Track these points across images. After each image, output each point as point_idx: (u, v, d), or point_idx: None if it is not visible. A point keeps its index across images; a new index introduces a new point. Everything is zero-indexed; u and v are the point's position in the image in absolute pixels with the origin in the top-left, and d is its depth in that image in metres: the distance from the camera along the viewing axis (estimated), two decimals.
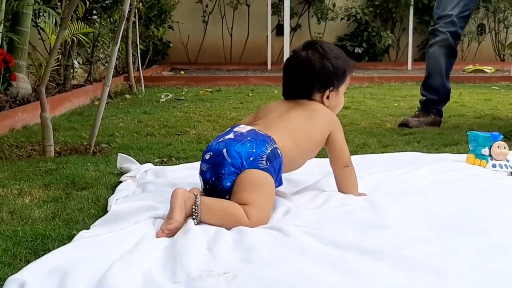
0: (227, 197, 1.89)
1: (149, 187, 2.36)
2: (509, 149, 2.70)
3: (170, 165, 2.84)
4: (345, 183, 2.16)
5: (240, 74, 8.62)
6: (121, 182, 2.43)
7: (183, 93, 6.21)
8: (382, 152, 3.07)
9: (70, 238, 1.74)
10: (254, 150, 1.89)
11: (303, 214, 1.92)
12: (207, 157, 1.94)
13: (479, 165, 2.55)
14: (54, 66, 5.07)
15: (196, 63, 10.80)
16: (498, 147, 2.54)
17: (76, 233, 1.76)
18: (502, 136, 2.62)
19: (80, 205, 2.13)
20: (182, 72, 9.13)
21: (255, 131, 1.97)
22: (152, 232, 1.73)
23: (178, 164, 2.86)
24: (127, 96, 5.82)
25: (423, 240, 1.64)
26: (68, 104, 4.93)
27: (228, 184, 1.88)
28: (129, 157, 2.77)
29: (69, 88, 5.47)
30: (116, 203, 2.04)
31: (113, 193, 2.23)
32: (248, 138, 1.92)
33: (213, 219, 1.81)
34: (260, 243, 1.64)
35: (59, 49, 5.01)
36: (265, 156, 1.90)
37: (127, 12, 3.03)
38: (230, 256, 1.56)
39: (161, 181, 2.45)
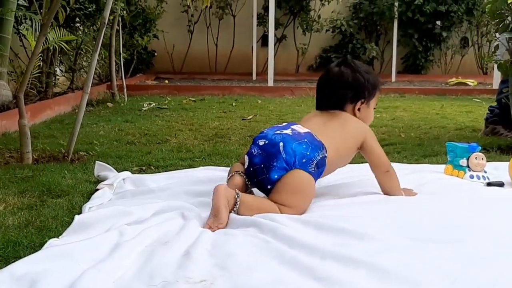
0: (268, 187, 2.04)
1: (126, 195, 2.34)
2: (487, 161, 2.72)
3: (149, 173, 2.82)
4: (388, 186, 2.27)
5: (224, 83, 8.62)
6: (98, 190, 2.41)
7: (166, 102, 6.18)
8: (362, 163, 3.06)
9: (42, 246, 1.72)
10: (308, 153, 2.04)
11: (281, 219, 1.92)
12: (261, 143, 2.09)
13: (457, 176, 2.56)
14: (36, 73, 5.03)
15: (181, 73, 10.77)
16: (475, 158, 2.56)
17: (48, 240, 1.74)
18: (480, 148, 2.63)
19: (55, 212, 2.10)
20: (167, 81, 9.11)
21: (312, 135, 2.12)
22: (125, 238, 1.70)
23: (157, 172, 2.84)
24: (109, 104, 5.79)
25: (399, 249, 1.64)
26: (49, 111, 4.89)
27: (276, 176, 2.02)
28: (107, 165, 2.75)
29: (50, 96, 5.43)
30: (89, 211, 2.01)
31: (88, 201, 2.21)
32: (305, 140, 2.08)
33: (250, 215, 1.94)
34: (239, 250, 1.64)
35: (41, 56, 4.97)
36: (316, 161, 2.06)
37: (107, 19, 3.00)
38: (207, 263, 1.56)
39: (139, 190, 2.43)
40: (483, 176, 2.53)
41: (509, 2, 3.09)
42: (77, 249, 1.59)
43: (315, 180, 2.09)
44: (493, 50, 3.71)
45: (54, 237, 1.79)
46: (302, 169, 2.02)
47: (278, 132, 2.10)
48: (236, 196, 1.95)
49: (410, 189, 2.32)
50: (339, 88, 2.31)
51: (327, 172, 2.20)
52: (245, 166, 2.12)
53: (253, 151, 2.10)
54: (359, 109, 2.32)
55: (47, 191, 2.41)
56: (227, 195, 1.93)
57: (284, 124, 2.22)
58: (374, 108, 2.40)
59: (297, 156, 2.02)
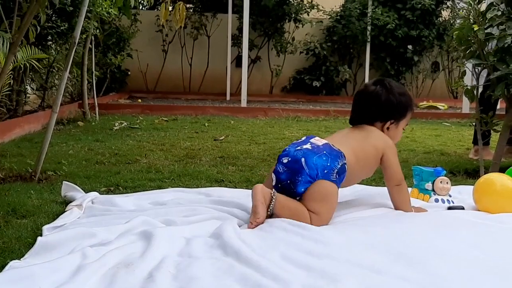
0: (297, 198, 2.19)
1: (95, 215, 2.32)
2: (453, 184, 2.76)
3: (117, 194, 2.79)
4: (398, 200, 2.39)
5: (198, 103, 8.62)
6: (66, 211, 2.38)
7: (138, 121, 6.16)
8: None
9: (3, 268, 1.69)
10: (328, 164, 2.20)
11: (248, 236, 1.92)
12: (285, 161, 2.24)
13: (422, 199, 2.59)
14: (6, 91, 4.98)
15: (154, 92, 10.76)
16: (440, 182, 2.59)
17: (9, 262, 1.72)
18: (445, 172, 2.67)
19: (18, 233, 2.08)
20: (140, 100, 9.08)
21: (330, 146, 2.26)
22: (88, 260, 1.69)
23: (125, 193, 2.82)
24: (80, 123, 5.75)
25: (361, 270, 1.65)
26: (18, 130, 4.84)
27: (302, 190, 2.19)
28: (74, 185, 2.72)
29: (20, 114, 5.38)
30: (53, 231, 1.99)
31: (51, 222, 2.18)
32: (324, 152, 2.22)
33: (284, 214, 2.14)
34: (202, 273, 1.63)
35: (11, 74, 4.92)
36: (336, 170, 2.21)
37: (77, 38, 3.00)
38: (171, 286, 1.55)
39: (107, 211, 2.41)
40: (447, 200, 2.57)
41: (475, 29, 3.16)
42: (38, 271, 1.57)
43: (338, 187, 2.24)
44: (460, 75, 3.78)
45: (16, 259, 1.76)
46: (325, 179, 2.18)
47: (299, 148, 2.25)
48: (272, 194, 2.15)
49: (421, 207, 2.44)
50: (371, 106, 2.44)
51: (349, 179, 2.31)
52: (273, 184, 2.26)
53: (278, 169, 2.25)
54: (388, 128, 2.45)
55: (12, 211, 2.38)
56: (264, 193, 2.14)
57: (303, 139, 2.34)
58: (404, 129, 2.53)
59: (319, 169, 2.18)
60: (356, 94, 2.55)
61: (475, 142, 4.23)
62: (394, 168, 2.38)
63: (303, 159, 2.19)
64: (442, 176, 2.62)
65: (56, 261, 1.65)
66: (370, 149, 2.36)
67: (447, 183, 2.60)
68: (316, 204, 2.17)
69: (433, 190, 2.59)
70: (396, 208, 2.38)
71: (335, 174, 2.20)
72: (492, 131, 3.76)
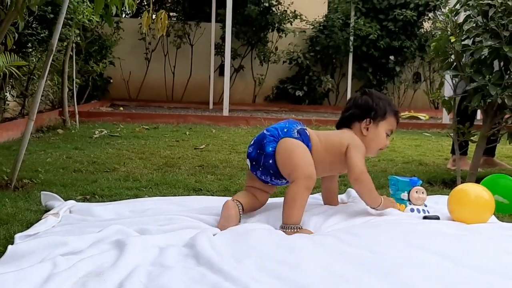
0: (270, 161, 2.37)
1: (70, 223, 2.30)
2: (430, 194, 2.77)
3: (93, 202, 2.77)
4: (358, 192, 2.51)
5: (180, 112, 8.60)
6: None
7: (119, 129, 6.13)
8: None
9: None
10: (287, 125, 2.45)
11: (222, 245, 1.92)
12: (251, 142, 2.47)
13: (398, 209, 2.60)
14: None
15: (137, 100, 10.73)
16: (416, 192, 2.61)
17: None
18: (421, 182, 2.68)
19: None
20: (121, 108, 9.05)
21: (292, 120, 2.53)
22: (58, 269, 1.67)
23: (102, 202, 2.80)
24: (60, 131, 5.71)
25: (331, 280, 1.65)
26: None
27: (270, 149, 2.39)
28: (54, 194, 2.70)
29: (0, 121, 5.33)
30: (25, 240, 1.97)
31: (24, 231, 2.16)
32: (283, 121, 2.51)
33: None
34: (174, 283, 1.64)
35: None
36: (296, 130, 2.43)
37: (55, 46, 2.98)
38: None
39: (83, 219, 2.39)
40: (423, 209, 2.58)
41: (452, 41, 3.19)
42: (7, 281, 1.55)
43: (305, 144, 2.41)
44: (438, 86, 3.81)
45: None
46: (286, 136, 2.39)
47: None
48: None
49: (390, 199, 2.56)
50: (349, 108, 2.61)
51: (318, 159, 2.42)
52: (249, 167, 2.46)
53: (249, 150, 2.46)
54: (367, 129, 2.55)
55: None
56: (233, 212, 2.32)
57: None
58: (388, 135, 2.60)
59: (279, 129, 2.42)
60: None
61: (453, 152, 4.27)
62: (353, 160, 2.45)
63: (264, 130, 2.47)
64: (418, 186, 2.63)
65: (25, 270, 1.63)
66: (336, 139, 2.51)
67: (422, 193, 2.61)
68: (289, 161, 2.35)
69: (408, 200, 2.61)
70: (365, 202, 2.51)
71: (296, 133, 2.42)
72: (470, 142, 3.79)
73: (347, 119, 2.60)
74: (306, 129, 2.49)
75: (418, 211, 2.56)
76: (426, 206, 2.61)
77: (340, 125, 2.64)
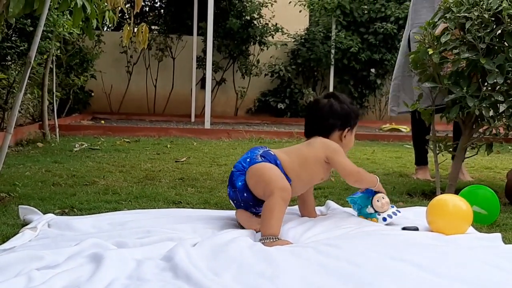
0: (245, 194, 2.44)
1: (48, 237, 2.28)
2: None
3: (72, 215, 2.75)
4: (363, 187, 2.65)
5: (161, 125, 8.58)
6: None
7: (99, 142, 6.10)
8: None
9: None
10: (249, 155, 2.50)
11: (200, 257, 1.92)
12: (227, 184, 2.55)
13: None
14: None
15: (118, 113, 10.69)
16: (378, 200, 2.62)
17: None
18: (373, 189, 2.68)
19: None
20: (103, 121, 9.00)
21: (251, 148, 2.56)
22: (34, 284, 1.64)
23: (80, 215, 2.77)
24: (40, 144, 5.66)
25: None
26: None
27: (240, 183, 2.45)
28: (32, 208, 2.67)
29: None
30: (0, 254, 1.94)
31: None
32: (246, 153, 2.55)
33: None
34: None
35: None
36: (259, 155, 2.47)
37: (33, 58, 2.96)
38: None
39: (62, 233, 2.37)
40: (393, 212, 2.60)
41: (430, 53, 3.22)
42: None
43: (272, 163, 2.44)
44: (417, 98, 3.84)
45: None
46: (251, 164, 2.43)
47: None
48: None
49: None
50: (329, 118, 2.61)
51: (295, 182, 2.49)
52: (234, 206, 2.55)
53: (228, 191, 2.54)
54: (345, 136, 2.64)
55: None
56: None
57: None
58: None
59: (242, 162, 2.48)
60: (310, 108, 2.75)
61: (417, 163, 4.44)
62: (345, 167, 2.54)
63: (233, 169, 2.52)
64: (375, 194, 2.64)
65: (0, 285, 1.61)
66: (309, 153, 2.54)
67: (383, 198, 2.64)
68: (261, 179, 2.39)
69: (375, 211, 2.62)
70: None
71: (259, 157, 2.46)
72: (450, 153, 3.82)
73: (328, 129, 2.62)
74: (269, 150, 2.54)
75: (390, 216, 2.58)
76: (393, 207, 2.64)
77: (313, 133, 2.64)
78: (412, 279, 1.79)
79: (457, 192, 2.93)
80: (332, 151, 2.54)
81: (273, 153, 2.50)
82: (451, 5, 3.21)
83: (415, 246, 2.16)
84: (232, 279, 1.75)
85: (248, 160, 2.47)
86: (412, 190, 3.62)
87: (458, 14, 3.14)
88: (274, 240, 2.23)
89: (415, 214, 2.79)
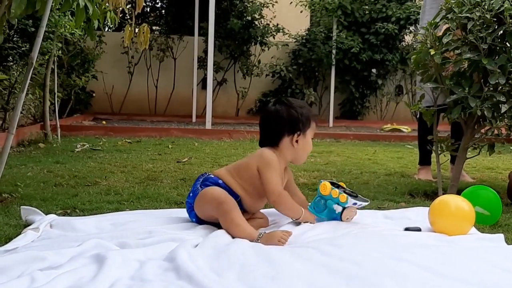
0: (204, 223, 2.48)
1: (51, 237, 2.28)
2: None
3: (74, 216, 2.75)
4: (279, 211, 2.57)
5: (163, 125, 8.58)
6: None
7: (101, 143, 6.10)
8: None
9: None
10: (191, 190, 2.54)
11: (203, 258, 1.92)
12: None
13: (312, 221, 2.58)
14: None
15: (119, 114, 10.69)
16: (332, 190, 2.60)
17: None
18: (320, 182, 2.65)
19: None
20: (104, 122, 9.00)
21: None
22: (37, 284, 1.65)
23: (83, 216, 2.77)
24: (41, 145, 5.66)
25: None
26: None
27: (194, 219, 2.52)
28: (34, 208, 2.67)
29: None
30: (3, 255, 1.94)
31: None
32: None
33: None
34: None
35: None
36: (198, 185, 2.50)
37: (35, 59, 2.96)
38: None
39: (64, 234, 2.37)
40: (349, 194, 2.60)
41: (432, 53, 3.22)
42: None
43: (214, 185, 2.48)
44: (419, 98, 3.84)
45: None
46: (194, 199, 2.48)
47: None
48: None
49: (310, 213, 2.57)
50: (276, 126, 2.57)
51: (247, 197, 2.51)
52: None
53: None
54: (297, 141, 2.57)
55: None
56: None
57: None
58: (313, 139, 2.66)
59: (188, 199, 2.54)
60: (260, 118, 2.69)
61: (421, 163, 4.40)
62: (269, 184, 2.48)
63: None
64: (322, 183, 2.61)
65: (2, 286, 1.61)
66: (245, 163, 2.57)
67: (332, 184, 2.62)
68: (206, 212, 2.45)
69: (341, 205, 2.58)
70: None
71: (199, 187, 2.49)
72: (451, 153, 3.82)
73: (277, 136, 2.58)
74: (209, 174, 2.57)
75: (354, 203, 2.59)
76: (344, 188, 2.64)
77: (266, 143, 2.62)
78: (415, 280, 1.79)
79: (459, 192, 2.93)
80: (263, 164, 2.50)
81: (213, 175, 2.53)
82: (453, 5, 3.21)
83: (418, 246, 2.16)
84: (235, 280, 1.75)
85: (191, 195, 2.51)
86: (414, 190, 3.62)
87: (460, 15, 3.14)
88: (258, 239, 2.24)
89: (417, 214, 2.79)
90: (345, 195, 2.58)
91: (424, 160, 4.39)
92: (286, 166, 2.68)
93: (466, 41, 3.13)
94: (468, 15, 3.11)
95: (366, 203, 2.64)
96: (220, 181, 2.50)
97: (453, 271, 1.88)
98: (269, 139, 2.60)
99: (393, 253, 2.03)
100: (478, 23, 3.07)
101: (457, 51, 3.18)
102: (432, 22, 3.35)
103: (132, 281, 1.74)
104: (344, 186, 2.70)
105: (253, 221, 2.56)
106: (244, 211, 2.50)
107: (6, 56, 5.50)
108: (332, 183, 2.64)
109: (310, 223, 2.54)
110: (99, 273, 1.75)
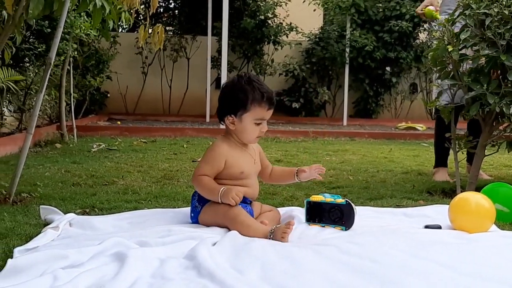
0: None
1: (71, 236, 2.29)
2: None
3: (93, 215, 2.76)
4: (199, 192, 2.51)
5: (177, 125, 8.60)
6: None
7: (117, 143, 6.13)
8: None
9: None
10: (190, 209, 2.55)
11: (223, 256, 1.92)
12: None
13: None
14: None
15: (134, 114, 10.74)
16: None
17: None
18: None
19: None
20: (119, 122, 9.04)
21: None
22: (59, 283, 1.65)
23: (101, 215, 2.78)
24: (58, 145, 5.70)
25: None
26: None
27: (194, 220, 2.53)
28: (53, 207, 2.69)
29: None
30: (24, 254, 1.95)
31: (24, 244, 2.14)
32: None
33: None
34: None
35: None
36: (195, 203, 2.50)
37: (53, 60, 2.98)
38: None
39: (84, 232, 2.38)
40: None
41: (449, 50, 3.20)
42: None
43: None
44: (436, 96, 3.82)
45: None
46: (198, 217, 2.49)
47: None
48: None
49: (230, 188, 2.41)
50: (220, 100, 2.51)
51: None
52: None
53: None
54: (233, 123, 2.47)
55: None
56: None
57: None
58: (259, 124, 2.46)
59: (190, 219, 2.54)
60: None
61: (437, 165, 4.22)
62: (199, 164, 2.51)
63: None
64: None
65: (25, 284, 1.62)
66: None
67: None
68: (212, 222, 2.43)
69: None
70: None
71: (198, 204, 2.49)
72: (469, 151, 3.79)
73: (219, 114, 2.52)
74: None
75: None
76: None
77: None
78: (435, 277, 1.77)
79: (477, 190, 2.91)
80: (208, 149, 2.53)
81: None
82: (471, 1, 3.19)
83: (438, 244, 2.14)
84: (257, 278, 1.75)
85: (192, 215, 2.52)
86: (432, 188, 3.60)
87: (477, 11, 3.11)
88: (271, 236, 2.23)
89: (436, 212, 2.77)
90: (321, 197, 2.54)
91: (440, 162, 4.24)
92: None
93: (484, 37, 3.11)
94: (486, 11, 3.08)
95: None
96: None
97: (474, 269, 1.87)
98: (218, 116, 2.55)
99: (413, 251, 2.02)
100: (496, 19, 3.04)
101: (475, 48, 3.16)
102: (450, 18, 3.32)
103: (153, 279, 1.74)
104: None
105: (262, 216, 2.52)
106: (249, 202, 2.51)
107: (23, 57, 5.54)
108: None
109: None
110: (120, 271, 1.76)
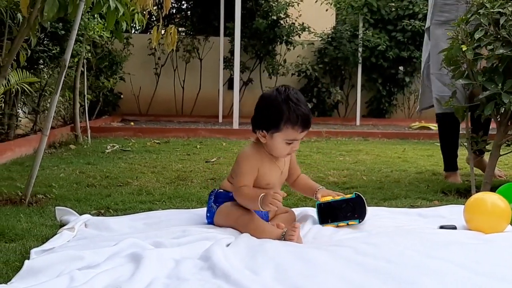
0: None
1: (86, 237, 2.31)
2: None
3: (108, 216, 2.78)
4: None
5: (190, 126, 8.63)
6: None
7: (130, 144, 6.16)
8: None
9: None
10: (206, 210, 2.55)
11: (238, 257, 1.93)
12: None
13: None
14: None
15: (147, 115, 10.77)
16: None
17: None
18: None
19: (6, 257, 2.05)
20: (132, 123, 9.08)
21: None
22: (76, 284, 1.67)
23: (116, 216, 2.80)
24: (72, 146, 5.73)
25: None
26: (9, 153, 4.82)
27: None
28: (68, 209, 2.71)
29: (12, 138, 5.36)
30: (41, 255, 1.97)
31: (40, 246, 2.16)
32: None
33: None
34: None
35: (3, 98, 4.93)
36: (212, 203, 2.51)
37: (68, 61, 3.00)
38: None
39: (100, 233, 2.40)
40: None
41: (463, 49, 3.18)
42: None
43: (225, 200, 2.48)
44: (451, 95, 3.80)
45: (2, 283, 1.74)
46: (212, 218, 2.50)
47: None
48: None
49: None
50: (255, 111, 2.43)
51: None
52: None
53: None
54: (264, 137, 2.40)
55: (0, 235, 2.36)
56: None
57: None
58: (290, 143, 2.39)
59: (206, 219, 2.55)
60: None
61: (446, 169, 4.10)
62: (236, 172, 2.44)
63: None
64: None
65: (43, 285, 1.64)
66: (235, 164, 2.51)
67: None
68: (226, 224, 2.43)
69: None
70: None
71: (213, 205, 2.50)
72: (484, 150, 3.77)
73: (252, 125, 2.46)
74: (217, 189, 2.57)
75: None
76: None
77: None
78: (451, 277, 1.77)
79: (492, 190, 2.89)
80: (239, 157, 2.46)
81: (222, 190, 2.53)
82: (485, 0, 3.17)
83: (454, 244, 2.13)
84: (272, 279, 1.75)
85: (208, 215, 2.51)
86: (447, 188, 3.58)
87: (492, 10, 3.10)
88: (283, 237, 2.23)
89: (451, 212, 2.76)
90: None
91: (450, 166, 4.09)
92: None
93: (499, 36, 3.09)
94: (500, 10, 3.07)
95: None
96: (230, 194, 2.46)
97: (489, 269, 1.86)
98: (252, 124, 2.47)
99: (428, 251, 2.01)
100: (511, 18, 3.02)
101: (489, 47, 3.14)
102: (464, 17, 3.31)
103: (169, 280, 1.75)
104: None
105: (278, 217, 2.53)
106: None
107: (37, 59, 5.58)
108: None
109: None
110: (136, 272, 1.77)
